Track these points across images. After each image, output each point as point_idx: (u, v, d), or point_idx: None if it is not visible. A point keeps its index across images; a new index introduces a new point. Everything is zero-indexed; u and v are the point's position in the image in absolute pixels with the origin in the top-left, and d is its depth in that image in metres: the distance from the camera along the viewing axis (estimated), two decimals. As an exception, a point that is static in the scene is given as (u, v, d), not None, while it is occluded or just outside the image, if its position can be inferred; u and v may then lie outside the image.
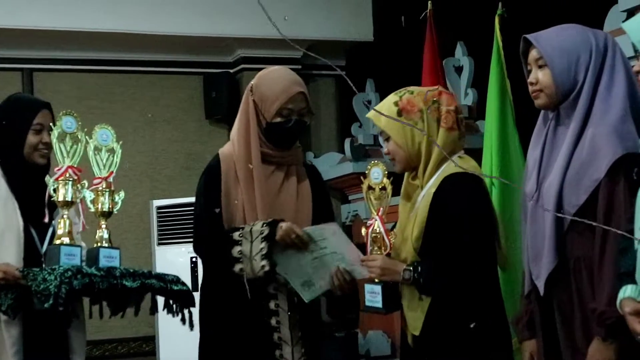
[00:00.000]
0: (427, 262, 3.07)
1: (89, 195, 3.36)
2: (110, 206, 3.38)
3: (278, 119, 3.46)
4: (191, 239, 3.61)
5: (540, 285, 2.78)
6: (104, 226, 3.38)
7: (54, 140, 3.34)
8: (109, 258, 3.33)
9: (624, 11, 4.44)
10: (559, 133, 2.83)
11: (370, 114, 3.33)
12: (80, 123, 3.39)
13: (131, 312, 3.42)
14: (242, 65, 7.64)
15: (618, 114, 2.71)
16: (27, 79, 7.31)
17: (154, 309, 3.48)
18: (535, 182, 2.83)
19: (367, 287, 3.22)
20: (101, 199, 3.36)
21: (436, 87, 3.30)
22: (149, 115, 7.60)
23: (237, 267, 3.36)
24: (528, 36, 2.90)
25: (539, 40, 2.85)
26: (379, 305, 3.19)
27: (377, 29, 7.69)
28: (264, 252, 3.32)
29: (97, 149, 3.41)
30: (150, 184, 7.61)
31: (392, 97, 3.24)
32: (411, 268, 3.07)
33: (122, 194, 3.43)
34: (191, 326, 3.53)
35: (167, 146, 7.73)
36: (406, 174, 3.26)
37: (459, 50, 6.25)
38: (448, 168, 3.14)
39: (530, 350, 2.95)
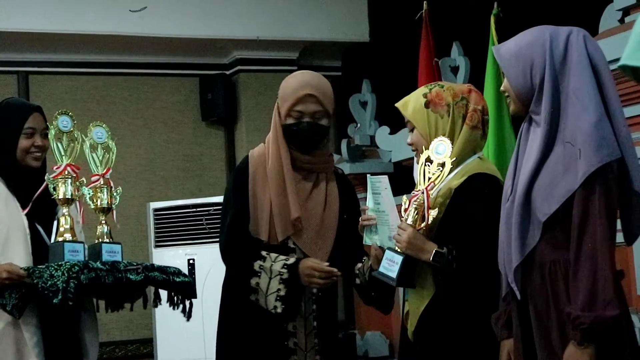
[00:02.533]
0: (460, 250, 3.06)
1: (87, 192, 3.44)
2: (109, 202, 3.46)
3: (289, 121, 3.46)
4: (188, 241, 3.64)
5: (516, 288, 2.80)
6: (104, 222, 3.47)
7: (51, 139, 3.43)
8: (112, 253, 3.40)
9: (619, 10, 4.45)
10: (530, 136, 2.83)
11: (399, 104, 3.30)
12: (75, 122, 3.47)
13: (129, 314, 3.44)
14: (238, 67, 7.64)
15: (592, 120, 2.66)
16: (23, 82, 7.31)
17: (156, 302, 3.55)
18: (510, 186, 2.84)
19: (388, 253, 3.14)
20: (99, 195, 3.45)
21: (467, 84, 3.33)
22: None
23: (253, 297, 3.37)
24: (493, 47, 2.93)
25: (499, 50, 2.86)
26: (393, 275, 3.10)
27: (373, 29, 7.69)
28: (280, 294, 3.33)
29: (92, 147, 3.48)
30: (147, 186, 7.61)
31: (422, 89, 3.29)
32: (445, 250, 3.05)
33: (119, 189, 3.50)
34: (189, 317, 3.59)
35: (164, 148, 7.72)
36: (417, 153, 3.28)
37: (455, 50, 6.24)
38: (471, 166, 3.16)
39: (507, 349, 2.96)
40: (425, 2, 5.79)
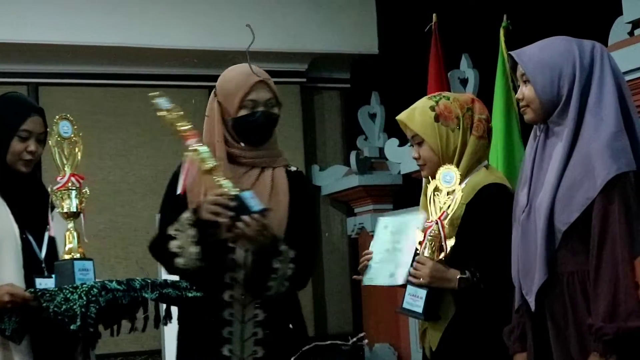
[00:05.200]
0: (482, 268, 3.04)
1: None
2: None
3: (243, 112, 3.34)
4: None
5: (531, 300, 2.78)
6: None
7: (52, 147, 3.16)
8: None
9: (628, 22, 4.44)
10: (547, 147, 2.83)
11: (402, 117, 3.26)
12: (75, 126, 3.24)
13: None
14: (248, 79, 7.63)
15: (611, 130, 2.68)
16: (33, 93, 7.32)
17: (167, 319, 3.26)
18: (526, 197, 2.83)
19: (410, 288, 3.08)
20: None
21: (469, 94, 3.31)
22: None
23: (179, 262, 3.26)
24: (512, 52, 2.90)
25: (521, 56, 2.85)
26: (419, 310, 3.04)
27: (382, 41, 7.69)
28: (194, 239, 3.20)
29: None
30: (155, 198, 7.58)
31: (426, 102, 3.23)
32: (468, 275, 3.03)
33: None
34: None
35: (173, 160, 7.69)
36: (425, 181, 3.25)
37: (464, 62, 6.25)
38: (479, 177, 3.15)
39: None
40: (434, 14, 5.80)
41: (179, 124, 3.34)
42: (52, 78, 7.39)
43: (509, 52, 2.94)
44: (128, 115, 7.59)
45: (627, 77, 4.18)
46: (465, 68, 6.25)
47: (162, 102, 3.33)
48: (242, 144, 3.37)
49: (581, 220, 2.68)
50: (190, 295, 3.21)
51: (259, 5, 7.43)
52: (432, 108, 3.20)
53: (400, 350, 6.72)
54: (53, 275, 3.10)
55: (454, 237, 3.06)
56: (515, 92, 4.43)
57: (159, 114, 3.27)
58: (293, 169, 3.48)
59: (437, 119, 3.18)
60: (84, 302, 2.83)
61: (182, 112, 3.29)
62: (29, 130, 3.28)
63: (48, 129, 3.29)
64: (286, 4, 7.53)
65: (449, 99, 3.24)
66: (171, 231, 3.26)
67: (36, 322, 3.02)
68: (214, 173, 3.23)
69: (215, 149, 3.32)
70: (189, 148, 3.32)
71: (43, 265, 3.23)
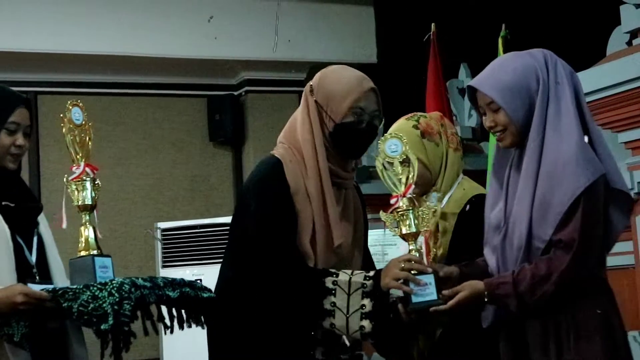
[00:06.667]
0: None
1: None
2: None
3: (350, 119, 2.93)
4: (195, 261, 3.32)
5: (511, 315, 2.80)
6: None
7: (66, 134, 2.92)
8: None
9: (626, 32, 4.45)
10: (521, 165, 2.83)
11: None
12: (86, 113, 3.02)
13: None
14: (246, 88, 7.65)
15: (574, 140, 2.68)
16: (32, 102, 7.32)
17: (182, 323, 3.00)
18: (502, 216, 2.82)
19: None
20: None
21: (436, 112, 3.37)
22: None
23: (327, 322, 2.81)
24: (473, 84, 2.84)
25: (484, 86, 2.79)
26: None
27: (381, 50, 7.71)
28: (365, 310, 2.78)
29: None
30: (154, 207, 7.61)
31: (406, 123, 3.21)
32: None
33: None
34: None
35: (171, 169, 7.73)
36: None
37: (463, 71, 6.26)
38: (465, 187, 3.19)
39: None
40: (433, 23, 5.81)
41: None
42: (51, 87, 7.40)
43: (468, 85, 2.89)
44: (127, 124, 7.60)
45: (625, 87, 4.19)
46: (464, 77, 6.26)
47: None
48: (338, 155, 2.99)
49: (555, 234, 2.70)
50: (205, 295, 2.97)
51: (258, 15, 7.44)
52: (415, 127, 3.21)
53: None
54: (50, 282, 2.93)
55: (445, 246, 3.08)
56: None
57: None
58: (355, 184, 3.19)
59: (423, 135, 3.19)
60: (116, 299, 2.64)
61: None
62: (17, 122, 3.01)
63: (62, 115, 3.02)
64: (285, 13, 7.54)
65: (425, 117, 3.27)
66: (329, 284, 2.81)
67: (49, 326, 2.82)
68: (413, 238, 2.87)
69: (319, 165, 2.93)
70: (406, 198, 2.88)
71: (34, 270, 2.98)
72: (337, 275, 2.81)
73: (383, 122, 3.07)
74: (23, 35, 6.84)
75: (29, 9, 6.87)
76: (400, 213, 2.86)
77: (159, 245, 6.75)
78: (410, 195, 2.88)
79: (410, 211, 2.85)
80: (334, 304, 2.79)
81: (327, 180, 2.92)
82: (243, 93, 7.70)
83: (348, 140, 2.96)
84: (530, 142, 2.75)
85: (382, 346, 3.17)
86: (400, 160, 2.91)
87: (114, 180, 7.40)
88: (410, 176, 2.90)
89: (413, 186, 2.89)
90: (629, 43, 4.45)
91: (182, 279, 2.95)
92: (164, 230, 6.77)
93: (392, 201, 2.90)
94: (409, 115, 3.28)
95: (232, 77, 7.73)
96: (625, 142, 4.40)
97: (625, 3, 4.42)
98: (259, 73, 7.62)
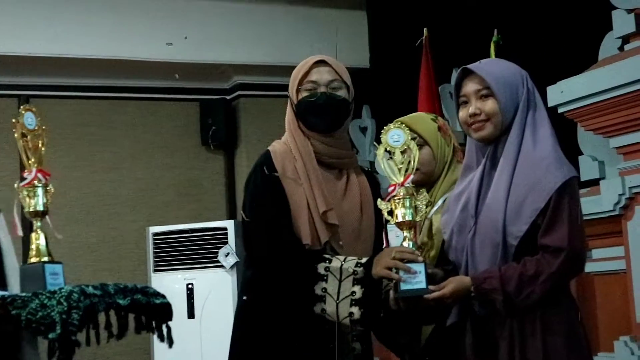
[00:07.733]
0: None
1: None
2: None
3: (303, 94, 3.08)
4: (187, 266, 3.32)
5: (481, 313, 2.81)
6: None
7: (17, 139, 2.88)
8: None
9: (618, 38, 4.46)
10: (496, 162, 2.86)
11: (405, 119, 3.18)
12: (39, 118, 2.97)
13: (127, 338, 3.09)
14: (239, 92, 7.66)
15: (550, 142, 2.80)
16: (24, 106, 7.32)
17: (139, 328, 2.94)
18: (473, 213, 2.84)
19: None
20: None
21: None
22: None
23: (317, 308, 2.88)
24: (470, 66, 2.88)
25: (481, 70, 2.86)
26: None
27: (374, 55, 7.71)
28: (355, 297, 2.84)
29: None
30: (146, 211, 7.60)
31: (425, 115, 3.37)
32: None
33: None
34: (170, 342, 3.03)
35: (164, 173, 7.72)
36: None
37: (455, 76, 6.26)
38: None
39: None
40: (425, 28, 5.82)
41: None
42: (43, 90, 7.38)
43: (464, 66, 2.91)
44: (119, 128, 7.59)
45: (617, 92, 4.20)
46: (456, 82, 6.26)
47: None
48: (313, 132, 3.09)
49: (529, 233, 2.72)
50: (157, 302, 2.94)
51: (250, 19, 7.44)
52: (434, 120, 3.29)
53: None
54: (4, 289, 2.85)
55: (437, 246, 3.07)
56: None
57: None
58: (366, 169, 3.28)
59: (439, 129, 3.25)
60: (65, 309, 2.60)
61: None
62: None
63: (14, 120, 2.96)
64: (277, 17, 7.55)
65: (438, 117, 3.36)
66: (321, 270, 2.87)
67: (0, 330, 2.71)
68: (408, 227, 2.89)
69: (298, 145, 3.06)
70: (406, 185, 2.89)
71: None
72: (330, 262, 2.89)
73: (353, 94, 3.20)
74: (15, 39, 6.82)
75: (20, 12, 6.86)
76: (397, 201, 2.88)
77: (151, 250, 6.74)
78: (408, 185, 2.90)
79: (407, 199, 2.88)
80: (325, 289, 2.87)
81: (308, 158, 3.04)
82: (235, 97, 7.72)
83: (308, 114, 3.08)
84: (509, 140, 2.82)
85: (378, 334, 3.19)
86: (402, 150, 2.96)
87: (106, 184, 7.40)
88: (410, 166, 2.93)
89: (412, 176, 2.92)
90: (621, 48, 4.46)
91: (135, 285, 2.92)
92: (155, 234, 6.76)
93: (390, 189, 2.93)
94: (428, 113, 3.37)
95: (225, 82, 7.73)
96: (617, 147, 4.41)
97: (617, 8, 4.44)
98: (252, 77, 7.61)
